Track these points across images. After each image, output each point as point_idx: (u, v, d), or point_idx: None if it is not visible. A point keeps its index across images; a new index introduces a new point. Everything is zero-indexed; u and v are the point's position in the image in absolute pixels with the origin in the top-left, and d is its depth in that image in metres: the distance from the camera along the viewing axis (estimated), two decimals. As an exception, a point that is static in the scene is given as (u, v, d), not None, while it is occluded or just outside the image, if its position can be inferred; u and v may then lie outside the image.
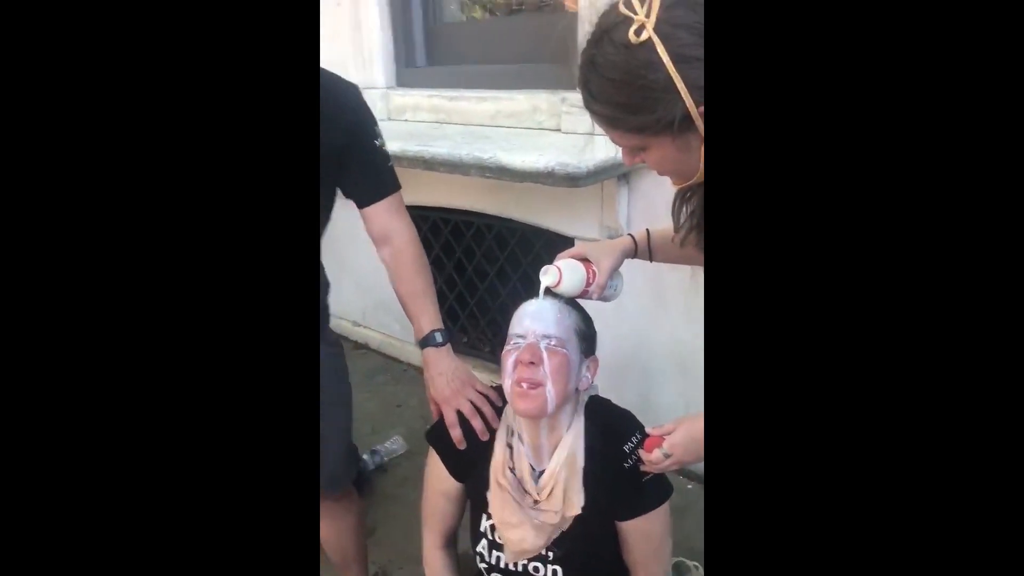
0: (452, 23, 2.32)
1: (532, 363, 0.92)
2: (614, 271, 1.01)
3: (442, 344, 1.10)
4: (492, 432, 1.04)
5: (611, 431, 1.00)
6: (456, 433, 1.04)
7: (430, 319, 1.11)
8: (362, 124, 1.06)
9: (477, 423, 1.03)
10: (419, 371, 2.43)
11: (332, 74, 1.05)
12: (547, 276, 0.96)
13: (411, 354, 2.46)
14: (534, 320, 0.95)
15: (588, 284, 0.98)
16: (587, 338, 1.00)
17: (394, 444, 1.99)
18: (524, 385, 0.92)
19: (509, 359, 0.95)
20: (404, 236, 1.12)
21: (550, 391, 0.92)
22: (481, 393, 1.06)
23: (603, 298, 1.01)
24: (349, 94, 1.06)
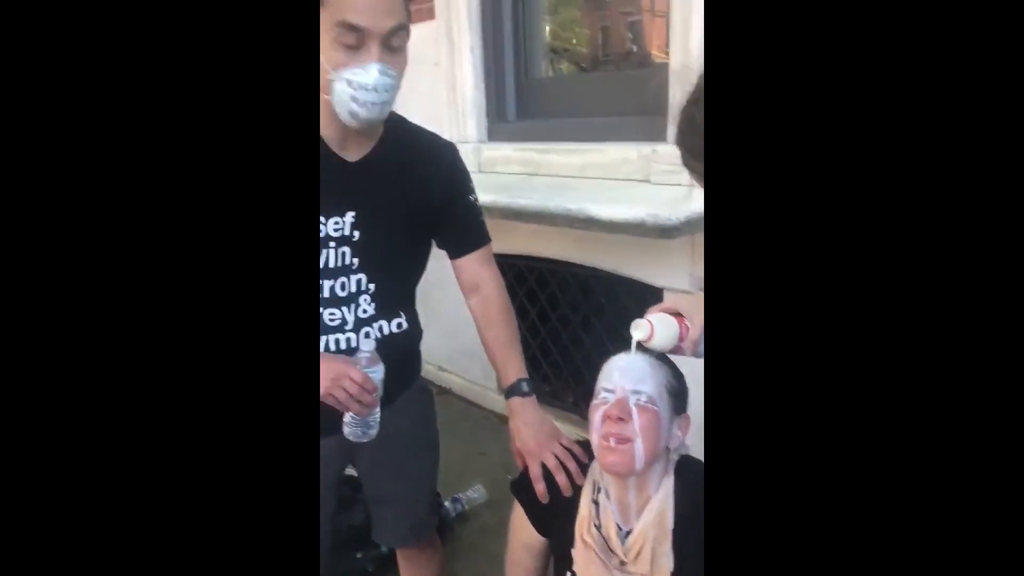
0: (542, 78, 2.39)
1: (621, 419, 0.90)
2: None
3: (528, 394, 1.09)
4: (577, 487, 1.02)
5: (701, 492, 0.95)
6: (540, 487, 1.02)
7: (516, 368, 1.11)
8: (459, 181, 1.10)
9: (561, 478, 1.01)
10: (501, 419, 2.44)
11: (432, 133, 1.11)
12: (638, 330, 0.94)
13: (493, 401, 2.47)
14: (623, 374, 0.93)
15: (681, 339, 0.95)
16: (678, 395, 0.97)
17: (476, 493, 1.98)
18: (612, 440, 0.90)
19: (597, 413, 0.93)
20: (492, 286, 1.14)
21: (639, 448, 0.89)
22: (566, 448, 1.04)
23: (696, 354, 0.98)
24: (448, 153, 1.10)
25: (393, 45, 0.87)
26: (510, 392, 1.10)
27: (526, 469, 1.06)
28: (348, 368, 0.93)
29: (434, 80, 2.36)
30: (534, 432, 1.05)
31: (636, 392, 0.92)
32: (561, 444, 1.04)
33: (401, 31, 0.87)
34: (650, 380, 0.93)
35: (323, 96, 0.90)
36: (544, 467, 1.03)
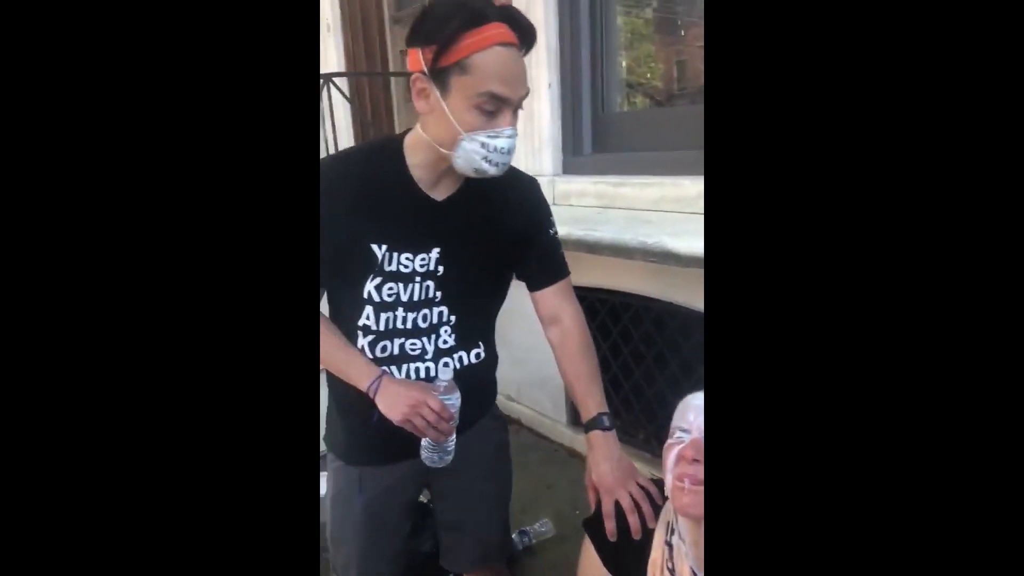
0: (618, 112, 2.41)
1: (696, 460, 0.87)
2: None
3: (609, 429, 1.08)
4: (649, 529, 0.99)
5: None
6: (610, 525, 1.00)
7: (596, 402, 1.10)
8: (540, 215, 1.12)
9: (633, 519, 0.99)
10: (570, 452, 2.41)
11: (514, 169, 1.13)
12: None
13: (562, 434, 2.44)
14: (699, 414, 0.90)
15: None
16: None
17: (543, 527, 1.96)
18: (686, 482, 0.87)
19: (671, 453, 0.91)
20: (573, 319, 1.14)
21: None
22: (643, 488, 1.02)
23: None
24: (529, 188, 1.13)
25: (519, 107, 0.93)
26: (590, 425, 1.09)
27: (599, 506, 1.04)
28: (427, 396, 0.95)
29: (511, 115, 2.41)
30: (612, 468, 1.03)
31: None
32: (638, 483, 1.02)
33: (526, 95, 0.93)
34: None
35: (440, 148, 0.93)
36: (617, 505, 1.01)
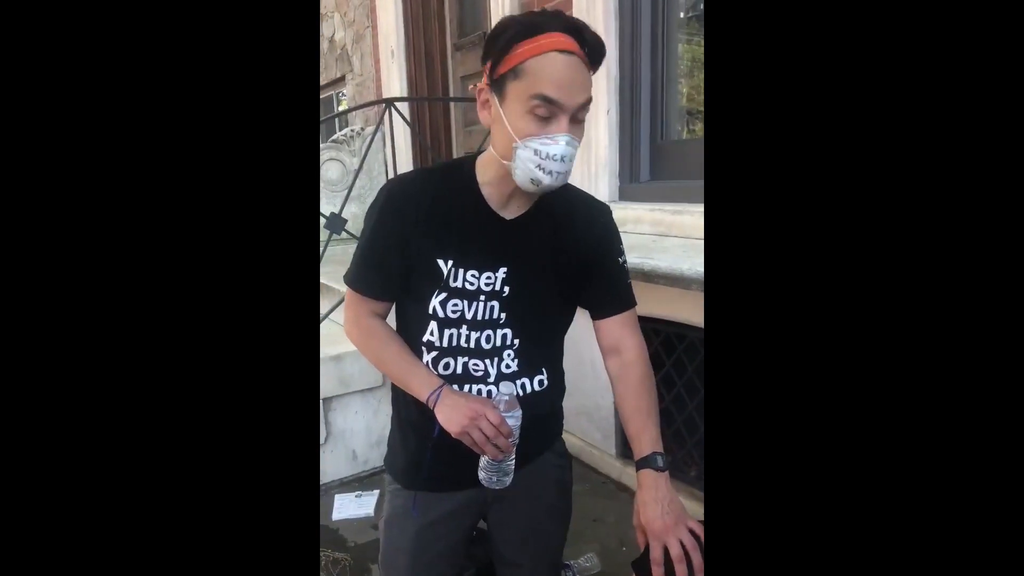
0: (676, 140, 2.38)
1: None
2: None
3: (662, 470, 1.03)
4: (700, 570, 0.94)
5: None
6: (658, 572, 0.95)
7: (651, 439, 1.05)
8: (609, 241, 1.10)
9: (681, 569, 0.94)
10: (618, 486, 2.35)
11: (587, 194, 1.12)
12: None
13: (610, 466, 2.38)
14: None
15: None
16: None
17: (588, 562, 1.90)
18: None
19: None
20: (636, 351, 1.11)
21: None
22: (695, 535, 0.97)
23: None
24: (601, 213, 1.11)
25: (579, 118, 0.91)
26: (643, 464, 1.04)
27: (648, 549, 1.00)
28: (486, 409, 0.93)
29: (569, 141, 2.42)
30: (662, 512, 0.98)
31: None
32: (689, 529, 0.97)
33: (588, 104, 0.91)
34: None
35: (502, 161, 0.94)
36: (665, 551, 0.96)
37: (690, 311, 1.98)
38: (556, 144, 0.88)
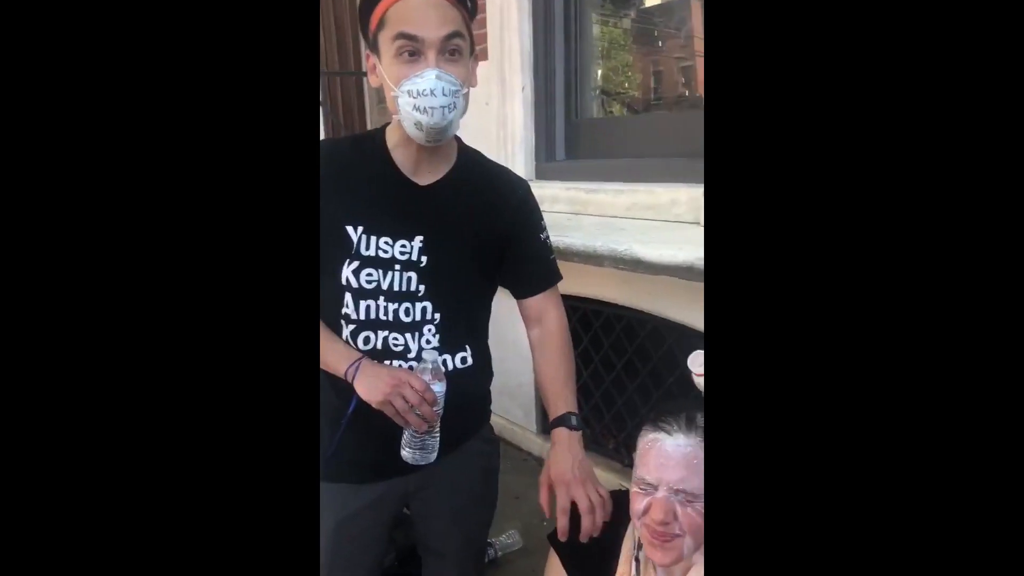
0: (592, 119, 2.40)
1: (665, 523, 0.84)
2: None
3: (575, 428, 1.04)
4: (617, 541, 0.96)
5: None
6: (563, 521, 0.96)
7: (567, 402, 1.07)
8: (530, 216, 1.08)
9: (587, 523, 0.95)
10: (539, 462, 2.37)
11: (502, 167, 1.10)
12: (698, 363, 0.87)
13: (531, 443, 2.41)
14: (664, 468, 0.85)
15: None
16: None
17: (510, 539, 1.92)
18: (657, 538, 0.85)
19: (638, 503, 0.87)
20: (557, 322, 1.12)
21: (687, 543, 0.84)
22: (602, 497, 0.98)
23: None
24: (520, 187, 1.09)
25: (451, 55, 0.90)
26: (556, 423, 1.05)
27: (567, 520, 1.01)
28: (409, 377, 0.91)
29: (485, 119, 2.39)
30: (573, 465, 0.99)
31: (680, 491, 0.84)
32: (596, 489, 0.99)
33: (457, 38, 0.89)
34: (696, 474, 0.85)
35: (394, 117, 0.93)
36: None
37: (605, 288, 2.02)
38: (424, 79, 0.87)
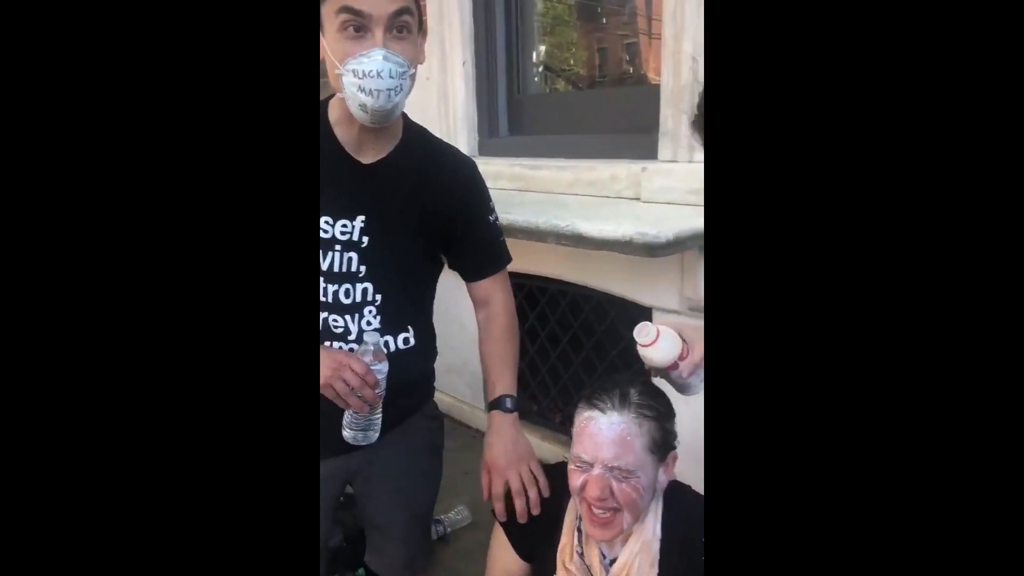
0: (535, 95, 2.39)
1: (602, 499, 0.86)
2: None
3: (510, 411, 1.06)
4: (559, 511, 0.98)
5: (690, 520, 0.92)
6: (498, 507, 0.99)
7: (505, 384, 1.07)
8: (478, 197, 1.07)
9: (520, 503, 0.97)
10: (487, 439, 2.39)
11: (450, 145, 1.08)
12: (643, 334, 0.88)
13: (480, 420, 2.43)
14: (600, 447, 0.87)
15: (681, 357, 0.89)
16: (663, 444, 0.92)
17: (459, 515, 1.93)
18: (595, 511, 0.87)
19: (576, 480, 0.89)
20: (503, 304, 1.12)
21: (624, 517, 0.88)
22: (534, 473, 1.00)
23: (686, 384, 0.93)
24: (467, 167, 1.07)
25: (399, 32, 0.86)
26: (492, 406, 1.07)
27: (510, 494, 1.02)
28: (350, 359, 0.89)
29: (426, 94, 2.35)
30: (506, 449, 1.02)
31: (615, 468, 0.86)
32: (530, 468, 1.00)
33: (405, 14, 0.85)
34: (630, 451, 0.87)
35: (339, 95, 0.89)
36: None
37: (550, 265, 2.03)
38: (371, 60, 0.83)
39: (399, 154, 0.98)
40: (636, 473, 0.86)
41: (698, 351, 0.89)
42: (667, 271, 1.72)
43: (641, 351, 0.90)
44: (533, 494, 0.98)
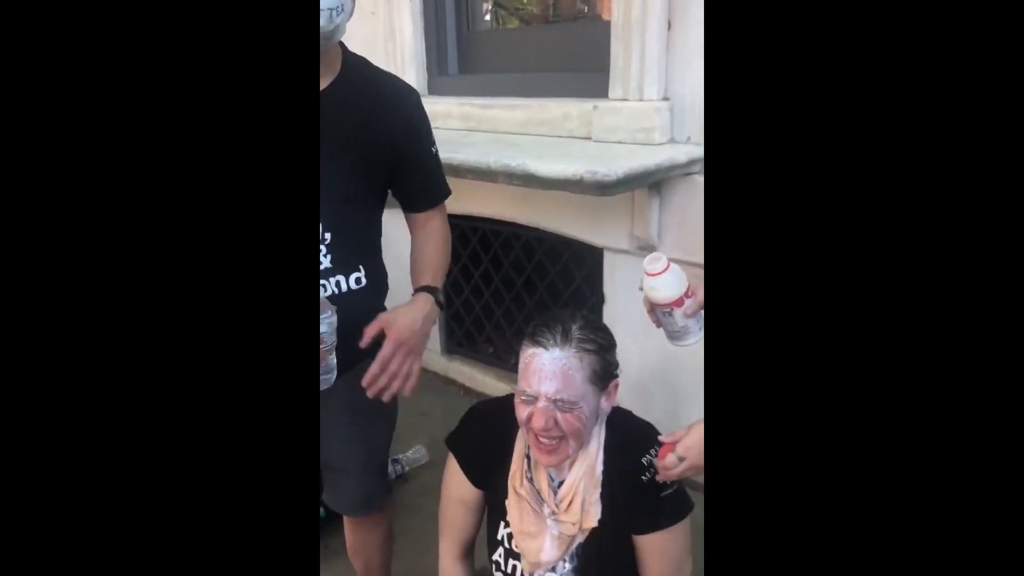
0: (485, 31, 2.33)
1: (546, 430, 0.90)
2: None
3: (438, 301, 1.03)
4: (509, 440, 1.01)
5: (631, 443, 0.96)
6: (374, 369, 0.96)
7: (432, 279, 1.06)
8: (421, 127, 1.05)
9: (395, 386, 0.96)
10: (444, 380, 2.43)
11: (391, 74, 1.05)
12: (654, 263, 0.87)
13: (436, 362, 2.45)
14: (542, 380, 0.89)
15: (687, 294, 0.87)
16: (604, 375, 0.94)
17: (416, 454, 1.97)
18: (542, 439, 0.91)
19: (522, 412, 0.92)
20: (440, 225, 1.12)
21: (570, 444, 0.91)
22: (409, 370, 0.98)
23: (681, 331, 0.91)
24: (410, 96, 1.04)
25: None
26: (422, 290, 1.04)
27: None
28: None
29: (371, 30, 2.26)
30: (411, 321, 0.97)
31: (558, 400, 0.89)
32: (412, 365, 0.97)
33: None
34: (571, 384, 0.89)
35: None
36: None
37: (503, 207, 2.03)
38: None
39: (339, 85, 0.95)
40: (578, 403, 0.89)
41: (699, 295, 0.88)
42: (617, 212, 1.74)
43: (647, 285, 0.88)
44: (396, 387, 0.96)
